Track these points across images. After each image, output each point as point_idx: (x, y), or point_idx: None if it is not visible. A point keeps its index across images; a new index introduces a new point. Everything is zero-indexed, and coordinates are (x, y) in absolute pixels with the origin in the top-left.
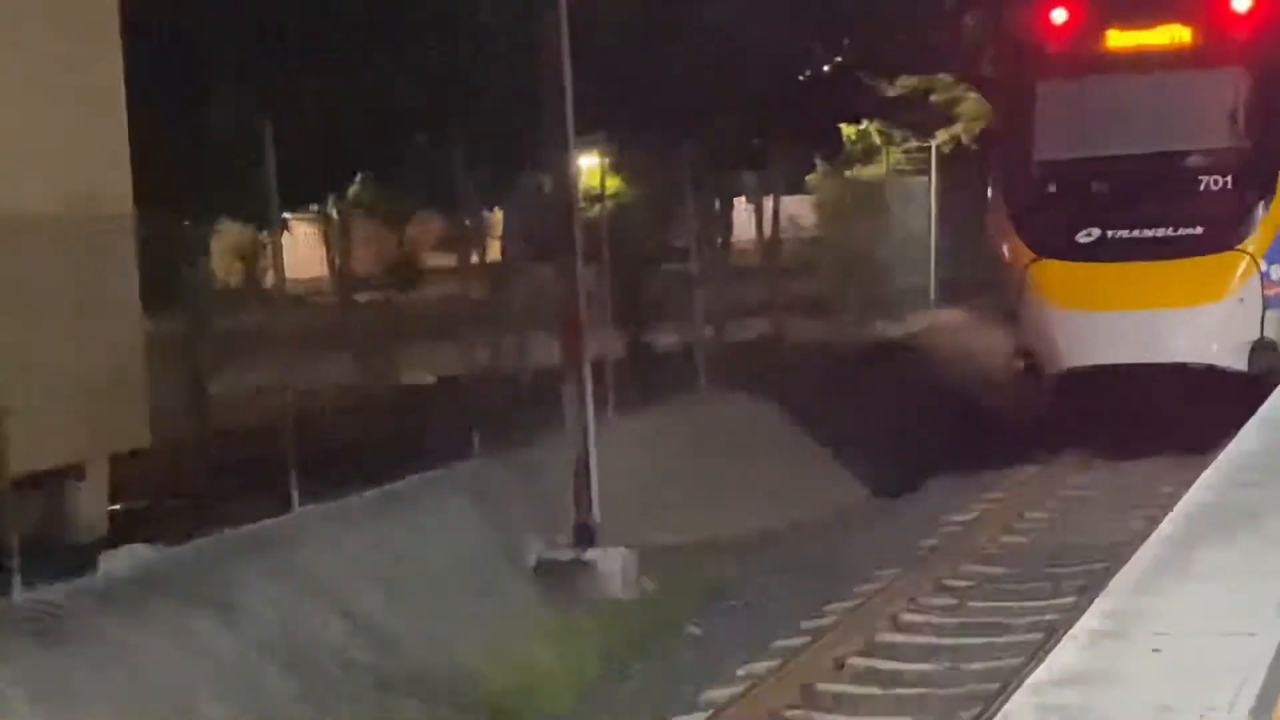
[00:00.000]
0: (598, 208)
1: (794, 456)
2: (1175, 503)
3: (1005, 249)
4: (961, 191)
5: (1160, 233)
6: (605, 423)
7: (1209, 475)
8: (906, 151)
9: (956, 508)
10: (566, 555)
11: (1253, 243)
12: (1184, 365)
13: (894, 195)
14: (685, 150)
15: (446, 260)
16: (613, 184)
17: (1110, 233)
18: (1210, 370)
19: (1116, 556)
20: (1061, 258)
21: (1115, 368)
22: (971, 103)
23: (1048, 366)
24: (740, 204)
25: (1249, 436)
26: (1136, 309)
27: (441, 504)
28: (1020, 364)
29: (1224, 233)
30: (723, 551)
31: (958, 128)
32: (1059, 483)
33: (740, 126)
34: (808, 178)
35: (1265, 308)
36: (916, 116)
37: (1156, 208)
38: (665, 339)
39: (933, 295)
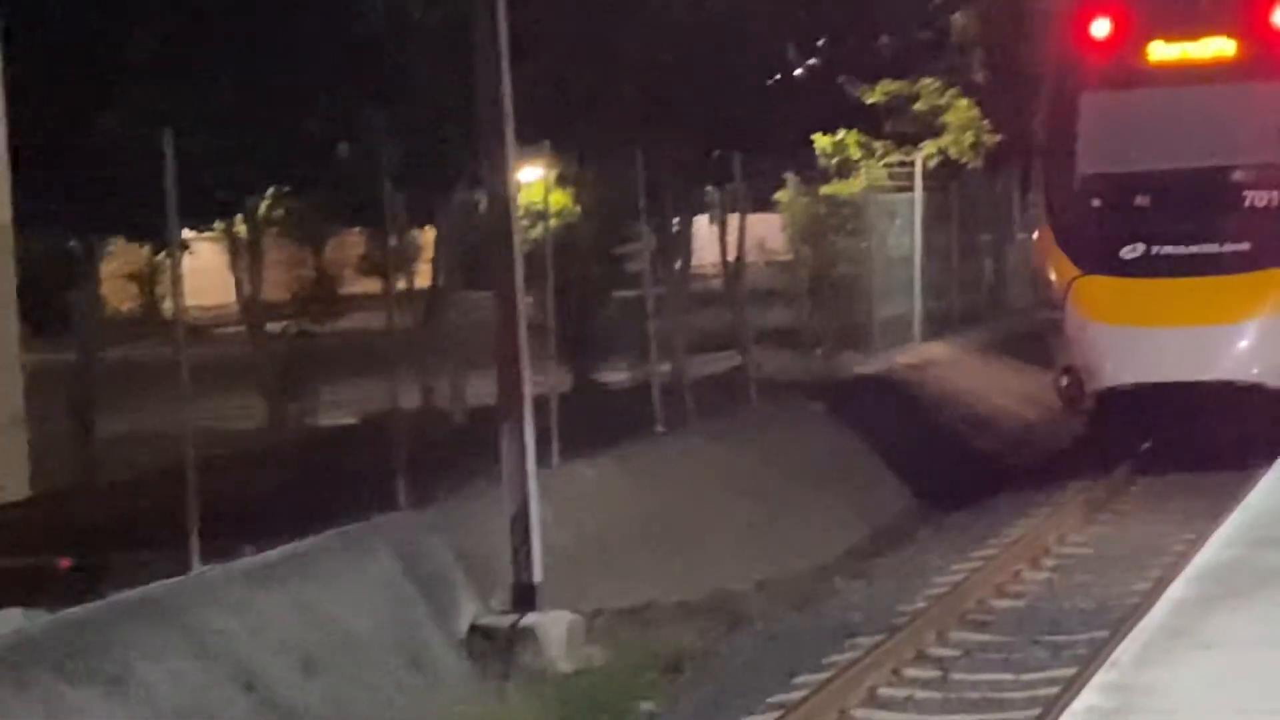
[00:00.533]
0: (541, 227)
1: (762, 506)
2: (1186, 562)
3: (1048, 265)
4: (950, 211)
5: (1206, 248)
6: (548, 469)
7: (1224, 531)
8: (888, 166)
9: (944, 565)
10: (503, 620)
11: None
12: (1229, 384)
13: (874, 214)
14: (640, 162)
15: (371, 286)
16: (558, 200)
17: (1155, 248)
18: (1256, 390)
19: (1121, 623)
20: (1106, 273)
21: (1158, 386)
22: (959, 111)
23: (1090, 384)
24: (702, 223)
25: (1268, 489)
26: (1182, 326)
27: (363, 562)
28: (1063, 381)
29: (1271, 249)
30: (681, 615)
31: (945, 139)
32: (1058, 538)
33: (702, 136)
34: (778, 194)
35: None
36: (899, 126)
37: (1202, 223)
38: (618, 374)
39: (917, 327)
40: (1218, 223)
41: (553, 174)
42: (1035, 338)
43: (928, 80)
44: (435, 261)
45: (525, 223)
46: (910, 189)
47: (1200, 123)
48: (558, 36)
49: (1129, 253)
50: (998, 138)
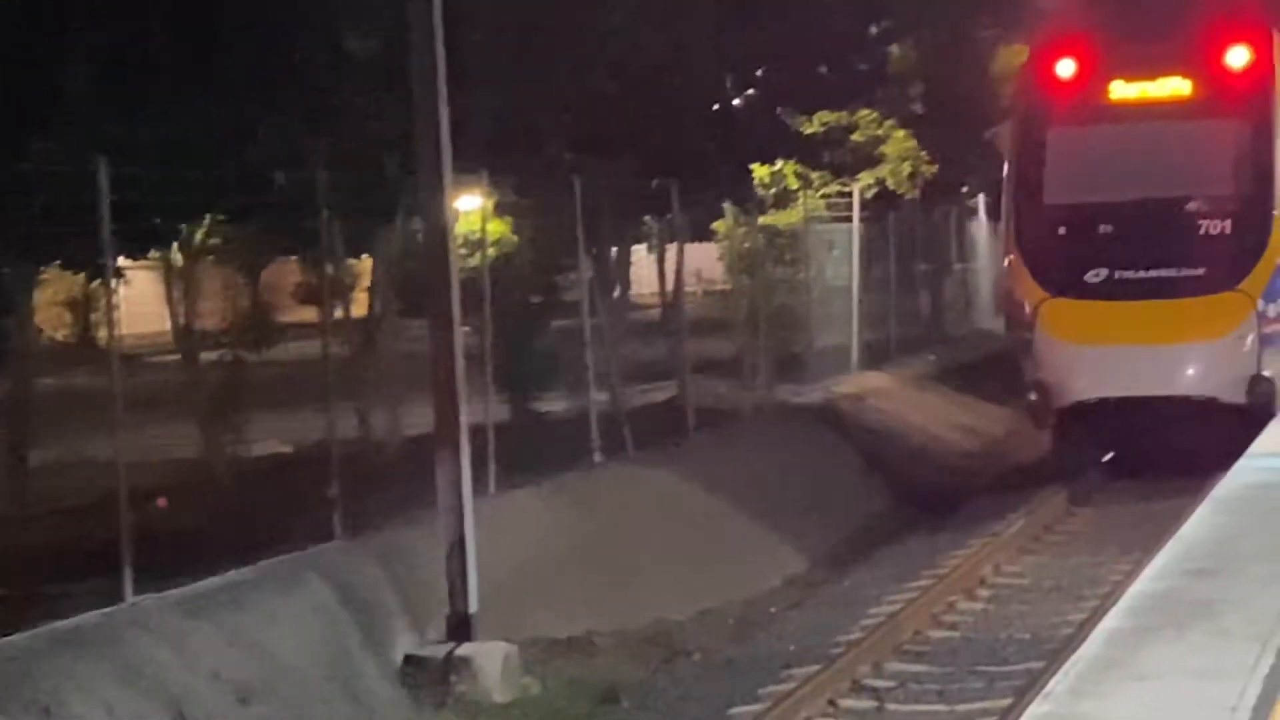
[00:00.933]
0: (479, 256)
1: (701, 536)
2: (1121, 593)
3: (1018, 288)
4: (888, 241)
5: (1164, 273)
6: (485, 499)
7: (1158, 562)
8: (826, 196)
9: (880, 595)
10: (438, 650)
11: (1250, 283)
12: (1186, 399)
13: (812, 245)
14: (578, 192)
15: (308, 314)
16: (496, 229)
17: (1117, 273)
18: (1211, 404)
19: (1056, 654)
20: (1071, 296)
21: (1120, 401)
22: (897, 142)
23: (1057, 399)
24: (641, 253)
25: (1201, 520)
26: (1142, 345)
27: (297, 592)
28: (1032, 396)
29: (1224, 274)
30: (619, 645)
31: (883, 170)
32: (994, 568)
33: (640, 166)
34: (716, 224)
35: (1261, 345)
36: (837, 157)
37: (1160, 250)
38: (555, 404)
39: (855, 357)
40: (1175, 250)
41: (491, 203)
42: (972, 368)
43: (866, 111)
44: (372, 290)
45: (463, 252)
46: (848, 219)
47: (1158, 157)
48: (496, 66)
49: (1093, 277)
50: (935, 169)
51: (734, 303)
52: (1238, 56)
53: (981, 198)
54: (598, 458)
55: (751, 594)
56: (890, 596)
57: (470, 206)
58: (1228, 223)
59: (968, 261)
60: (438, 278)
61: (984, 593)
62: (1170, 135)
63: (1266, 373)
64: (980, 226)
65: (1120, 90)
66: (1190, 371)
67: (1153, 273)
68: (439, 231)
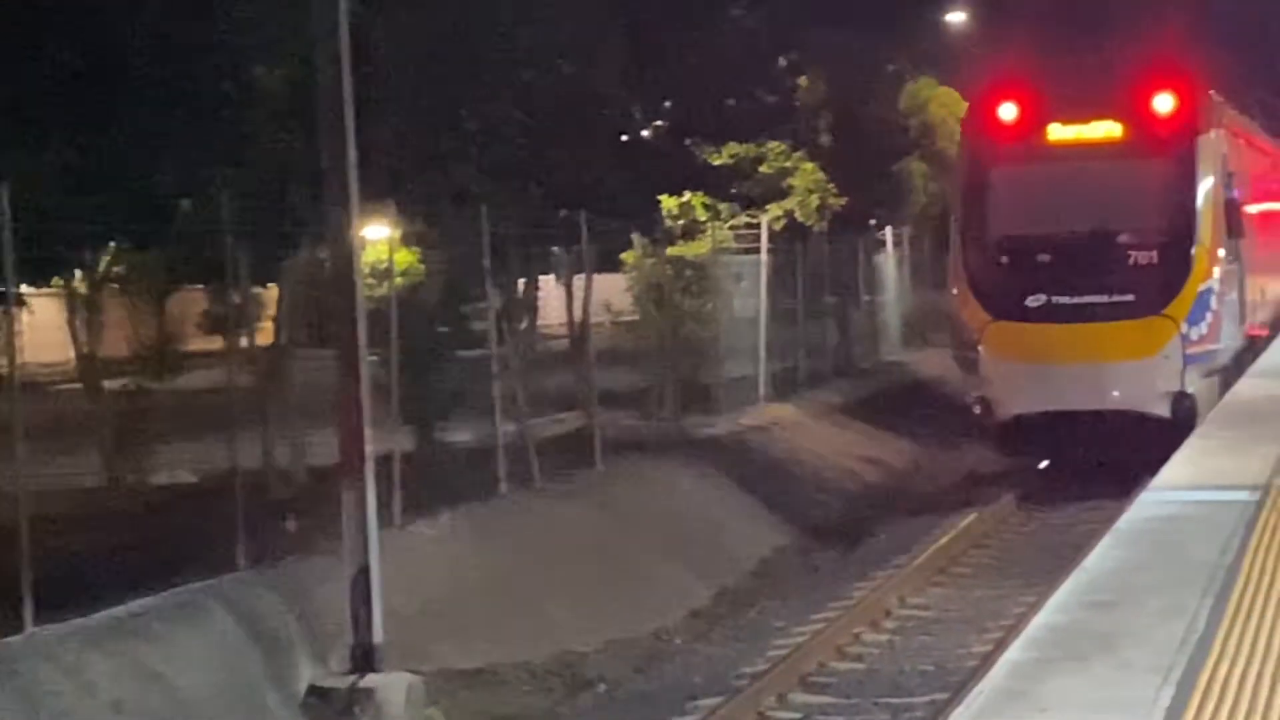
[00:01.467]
0: (385, 285)
1: (607, 567)
2: (1024, 625)
3: (964, 312)
4: (796, 273)
5: (1097, 299)
6: (390, 529)
7: (1061, 595)
8: (734, 228)
9: (786, 626)
10: (342, 681)
11: (1175, 309)
12: (1116, 411)
13: (720, 276)
14: (485, 222)
15: (213, 343)
16: (403, 258)
17: (1055, 299)
18: (1136, 416)
19: (960, 685)
20: (1013, 320)
21: (1061, 414)
22: (805, 174)
23: (1000, 412)
24: (548, 283)
25: (1103, 552)
26: (1077, 364)
27: (199, 622)
28: (977, 409)
29: (1151, 300)
30: (524, 676)
31: (791, 202)
32: (899, 599)
33: (549, 196)
34: (624, 255)
35: (1186, 363)
36: (745, 189)
37: (1094, 278)
38: (462, 434)
39: (762, 388)
40: (1107, 278)
41: (398, 233)
42: (879, 400)
43: (774, 143)
44: (278, 319)
45: (370, 281)
46: (756, 251)
47: (1091, 194)
48: (404, 95)
49: (1033, 302)
50: (843, 201)
51: (642, 334)
52: (1164, 103)
53: (889, 230)
54: (504, 488)
55: (657, 625)
56: (796, 628)
57: (377, 236)
58: (1155, 254)
59: (875, 294)
60: (344, 307)
61: (889, 624)
62: (1102, 174)
63: (1189, 389)
64: (888, 259)
65: (1057, 132)
66: (1120, 388)
67: (1087, 298)
68: (345, 260)
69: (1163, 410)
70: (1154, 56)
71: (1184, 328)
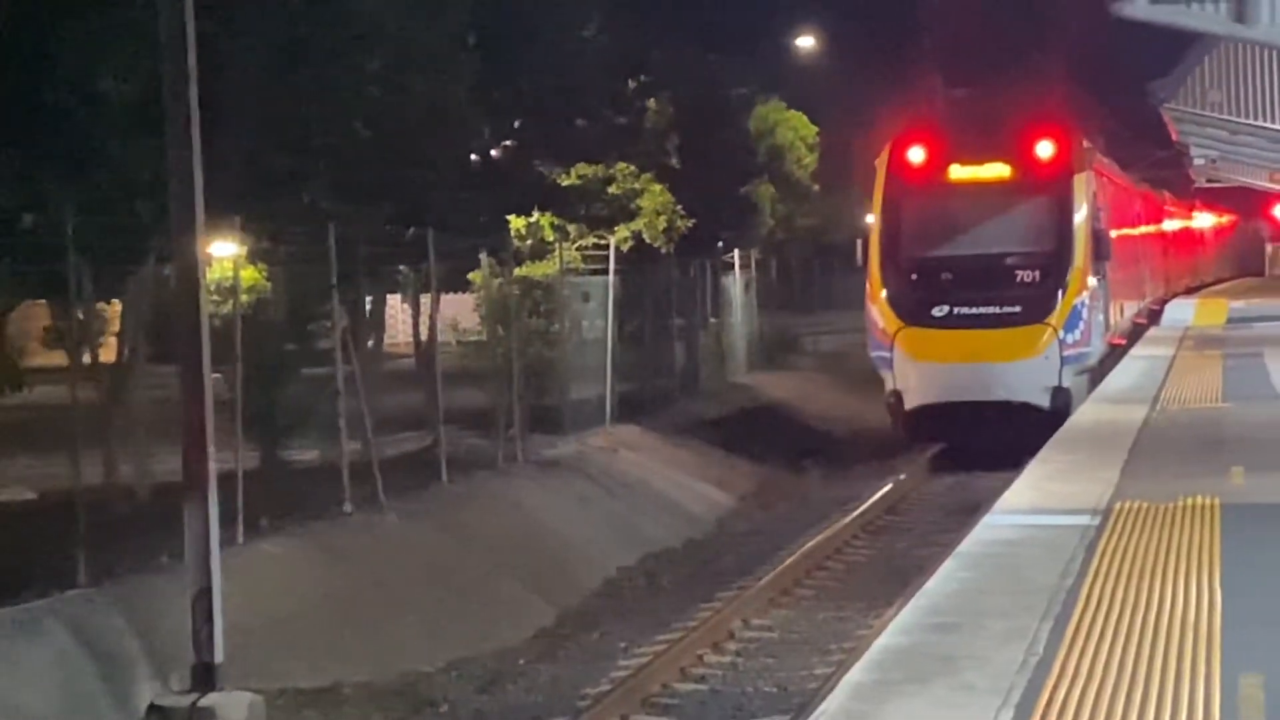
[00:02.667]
0: (231, 303)
1: (452, 587)
2: (866, 647)
3: (880, 319)
4: (643, 294)
5: (990, 310)
6: (234, 547)
7: (903, 617)
8: (582, 248)
9: (629, 648)
10: (182, 700)
11: (1055, 318)
12: (1005, 402)
13: (568, 296)
14: (332, 239)
15: (56, 358)
16: (250, 276)
17: (956, 309)
18: (1021, 407)
19: (802, 707)
20: (921, 326)
21: (959, 405)
22: (653, 196)
23: (910, 402)
24: (395, 302)
25: (946, 575)
26: (974, 362)
27: (36, 640)
28: (890, 400)
29: (1035, 311)
30: (367, 696)
31: (639, 223)
32: (743, 621)
33: (396, 214)
34: (472, 274)
35: (1063, 364)
36: (594, 210)
37: (987, 293)
38: (308, 453)
39: (609, 409)
40: (998, 293)
41: (244, 249)
42: (725, 422)
43: (623, 164)
44: (122, 335)
45: (216, 298)
46: (605, 272)
47: (985, 223)
48: (252, 111)
49: (937, 312)
50: (691, 222)
51: (489, 353)
52: (1045, 149)
53: (737, 253)
54: (348, 507)
55: (501, 645)
56: (639, 649)
57: (224, 252)
58: (1037, 273)
59: (723, 316)
60: (188, 323)
61: (732, 646)
62: (994, 206)
63: (1065, 384)
64: (735, 281)
65: (957, 171)
66: (1009, 383)
67: (982, 309)
68: (190, 277)
69: (1043, 401)
70: (1038, 109)
71: (1061, 334)
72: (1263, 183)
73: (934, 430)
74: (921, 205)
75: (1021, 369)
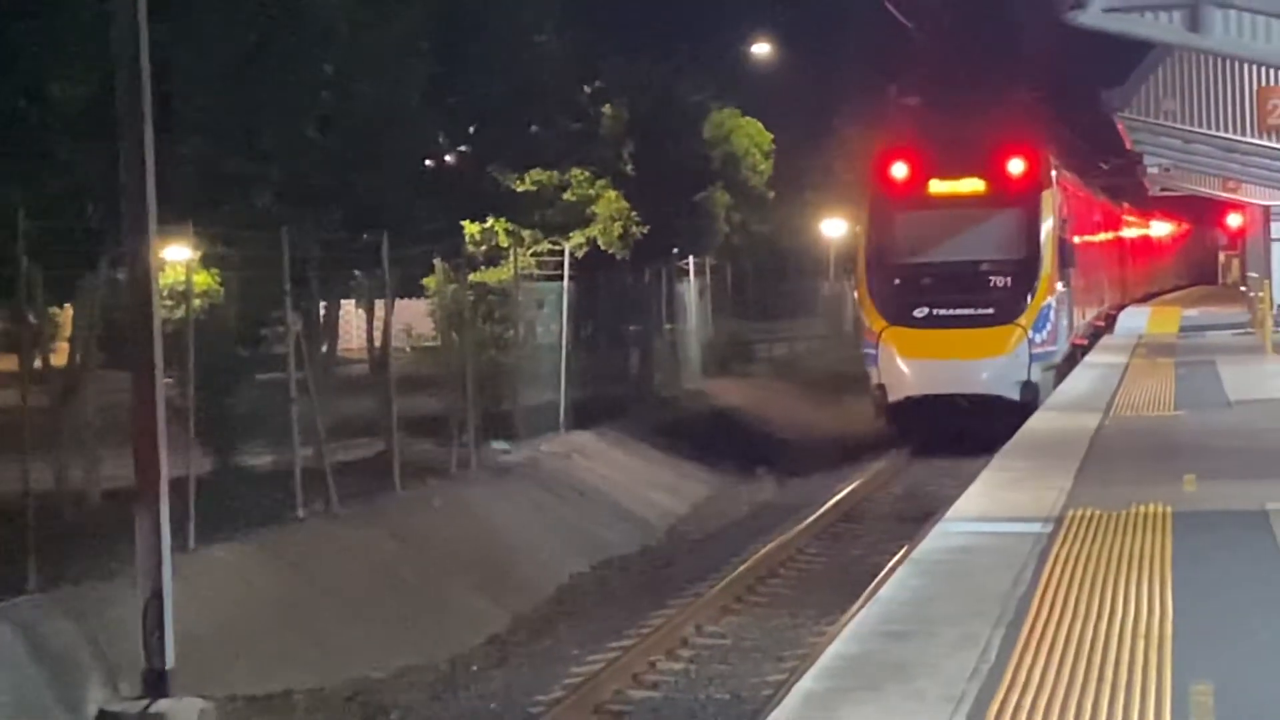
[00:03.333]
0: (184, 308)
1: (405, 593)
2: (819, 654)
3: (867, 319)
4: (598, 301)
5: (966, 311)
6: (185, 553)
7: (855, 625)
8: (537, 255)
9: (582, 654)
10: (133, 706)
11: (1024, 319)
12: (978, 395)
13: (522, 302)
14: (286, 244)
15: (6, 363)
16: (203, 281)
17: (935, 311)
18: (995, 399)
19: (755, 714)
20: (904, 326)
21: (936, 395)
22: (608, 202)
23: (893, 394)
24: (349, 307)
25: (899, 582)
26: (951, 359)
27: None
28: (876, 393)
29: (1006, 313)
30: (318, 703)
31: (593, 229)
32: (696, 628)
33: (350, 220)
34: (426, 280)
35: (1031, 360)
36: (549, 216)
37: (964, 296)
38: (260, 458)
39: (562, 416)
40: (973, 296)
41: (197, 254)
42: (676, 428)
43: (578, 170)
44: (74, 339)
45: (168, 303)
46: (559, 278)
47: (962, 233)
48: (204, 115)
49: (919, 313)
50: (645, 229)
51: (443, 359)
52: (1016, 166)
53: (691, 259)
54: (301, 513)
55: (454, 652)
56: (592, 655)
57: (177, 257)
58: (1009, 279)
59: (677, 322)
60: (140, 328)
61: (685, 653)
62: (970, 218)
63: (1033, 379)
64: (690, 288)
65: (937, 186)
66: (982, 377)
67: (959, 311)
68: (142, 281)
69: (1014, 394)
70: (1010, 130)
71: (1030, 334)
72: (1216, 191)
73: (914, 420)
74: (904, 217)
75: (994, 365)
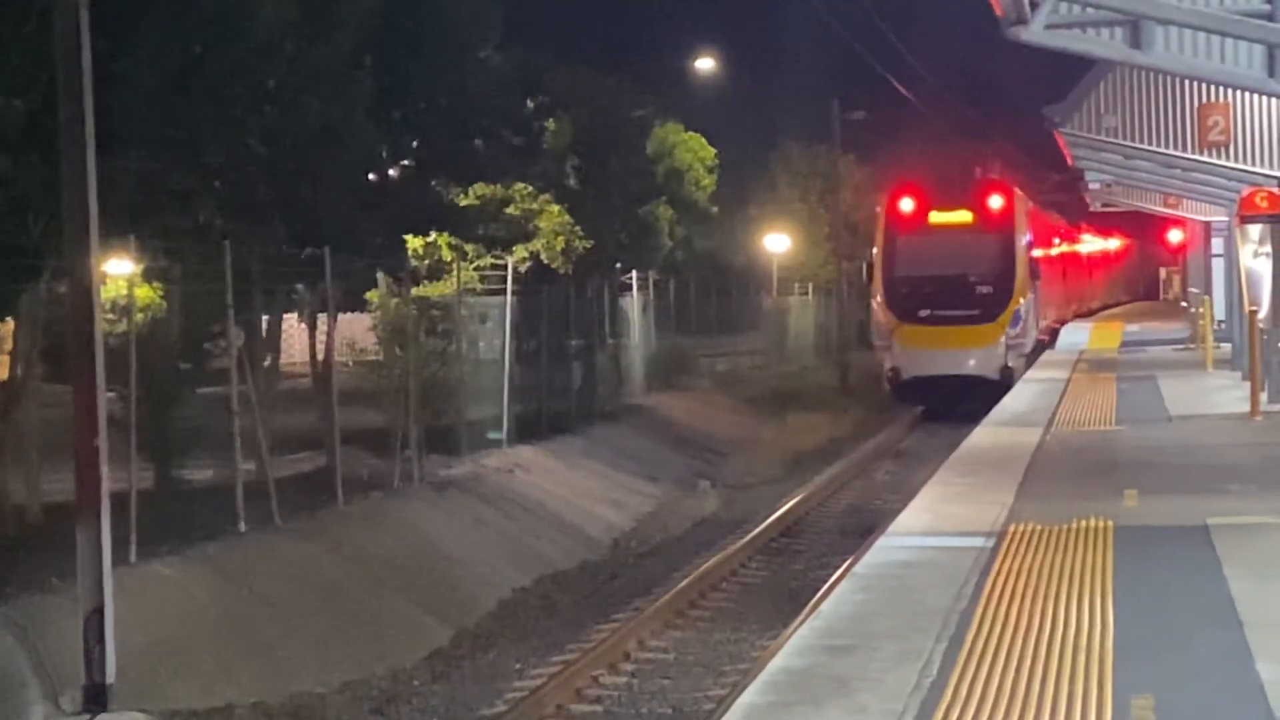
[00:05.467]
0: (125, 322)
1: (347, 608)
2: (760, 668)
3: (883, 319)
4: (541, 315)
5: (958, 312)
6: (126, 567)
7: (798, 638)
8: (480, 269)
9: (525, 669)
10: None
11: (1002, 318)
12: (969, 376)
13: (465, 317)
14: (228, 258)
15: None
16: (145, 295)
17: (935, 312)
18: (980, 379)
19: None
20: (911, 323)
21: (937, 376)
22: (551, 216)
23: (903, 375)
24: (292, 321)
25: (841, 596)
26: (947, 349)
27: None
28: (890, 374)
29: (989, 313)
30: (259, 717)
31: (537, 243)
32: (639, 642)
33: (293, 233)
34: (369, 294)
35: (1007, 350)
36: (492, 230)
37: (956, 301)
38: (202, 472)
39: (505, 430)
40: (963, 301)
41: (139, 268)
42: (618, 443)
43: (521, 185)
44: (15, 353)
45: (110, 316)
46: (502, 292)
47: (954, 252)
48: (146, 130)
49: (922, 313)
50: (589, 243)
51: (386, 373)
52: (994, 201)
53: (634, 274)
54: (243, 527)
55: (395, 666)
56: (534, 670)
57: (119, 271)
58: (991, 288)
59: (620, 336)
60: (82, 342)
61: (628, 667)
62: (960, 241)
63: (1010, 365)
64: (633, 302)
65: (935, 217)
66: (971, 363)
67: (952, 312)
68: (84, 295)
69: (995, 376)
70: (989, 175)
71: (1007, 330)
72: (1157, 207)
73: (918, 394)
74: (910, 240)
75: (980, 353)
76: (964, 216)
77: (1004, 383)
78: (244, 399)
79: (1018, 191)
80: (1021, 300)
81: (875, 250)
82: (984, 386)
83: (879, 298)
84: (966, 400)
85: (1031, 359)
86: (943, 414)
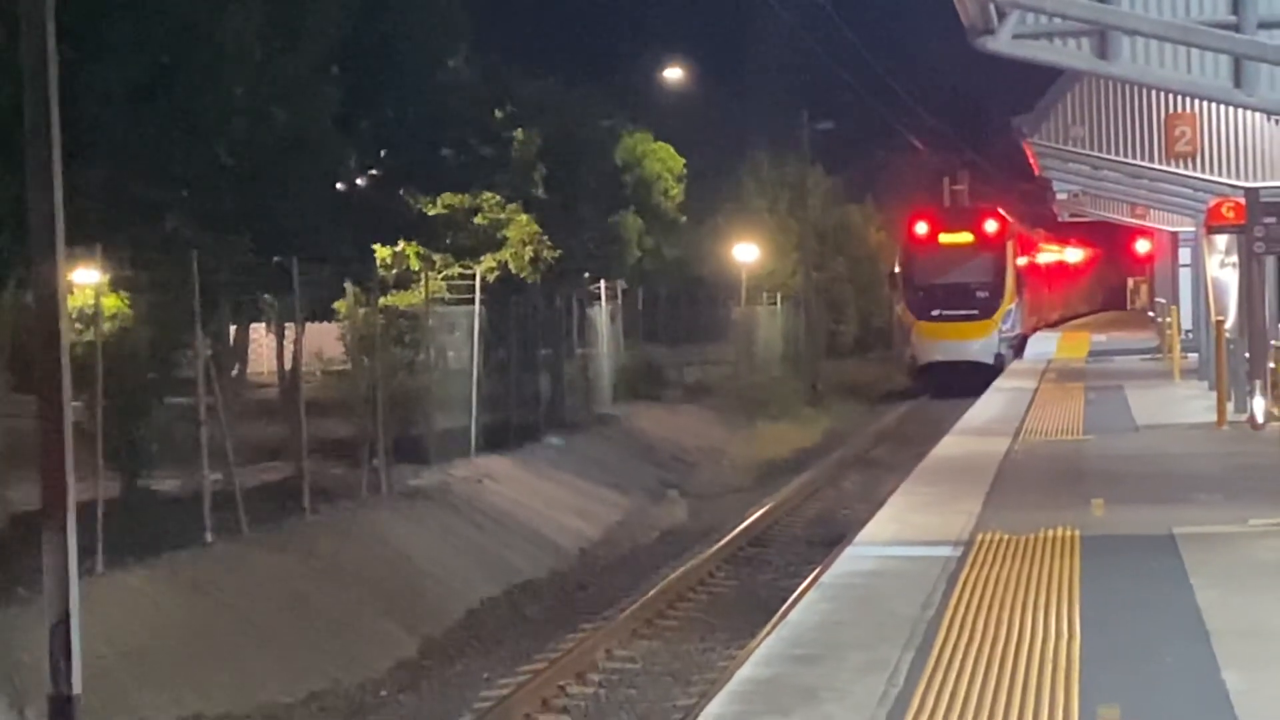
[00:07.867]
0: (92, 331)
1: (314, 618)
2: (727, 679)
3: (905, 317)
4: (509, 325)
5: (963, 312)
6: (93, 577)
7: (765, 648)
8: (448, 278)
9: (492, 679)
10: None
11: (997, 317)
12: (971, 361)
13: (434, 326)
14: (195, 268)
15: None
16: (112, 304)
17: (945, 311)
18: (978, 364)
19: None
20: (926, 320)
21: (947, 362)
22: (520, 226)
23: (919, 361)
24: (259, 331)
25: (809, 606)
26: (954, 340)
27: None
28: (909, 360)
29: (986, 313)
30: None
31: (505, 253)
32: (606, 652)
33: (260, 243)
34: (337, 304)
35: (1000, 341)
36: (460, 239)
37: (961, 304)
38: (169, 482)
39: (474, 440)
40: (966, 303)
41: (106, 277)
42: (586, 453)
43: (489, 194)
44: None
45: (77, 326)
46: (471, 302)
47: (960, 266)
48: (113, 139)
49: (934, 313)
50: (557, 253)
51: (353, 383)
52: (991, 225)
53: (603, 284)
54: (210, 537)
55: (363, 677)
56: (502, 680)
57: (85, 280)
58: (987, 293)
59: (589, 346)
60: (48, 352)
61: (595, 677)
62: (965, 257)
63: (1003, 353)
64: (601, 312)
65: (944, 238)
66: (972, 351)
67: (958, 311)
68: (50, 304)
69: (991, 361)
70: (986, 204)
71: (1000, 326)
72: (1124, 217)
73: (931, 376)
74: (924, 256)
75: (979, 344)
76: (966, 237)
77: (997, 366)
78: (211, 408)
79: (1009, 217)
80: (1011, 303)
81: (897, 264)
82: (982, 369)
83: (901, 300)
84: (971, 379)
85: (1019, 347)
86: (955, 390)
